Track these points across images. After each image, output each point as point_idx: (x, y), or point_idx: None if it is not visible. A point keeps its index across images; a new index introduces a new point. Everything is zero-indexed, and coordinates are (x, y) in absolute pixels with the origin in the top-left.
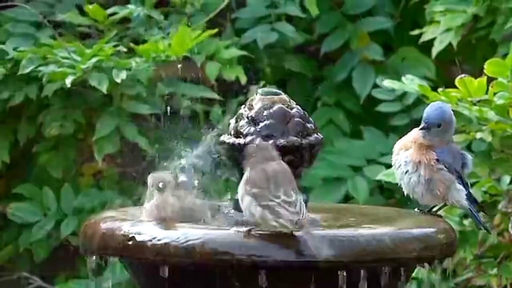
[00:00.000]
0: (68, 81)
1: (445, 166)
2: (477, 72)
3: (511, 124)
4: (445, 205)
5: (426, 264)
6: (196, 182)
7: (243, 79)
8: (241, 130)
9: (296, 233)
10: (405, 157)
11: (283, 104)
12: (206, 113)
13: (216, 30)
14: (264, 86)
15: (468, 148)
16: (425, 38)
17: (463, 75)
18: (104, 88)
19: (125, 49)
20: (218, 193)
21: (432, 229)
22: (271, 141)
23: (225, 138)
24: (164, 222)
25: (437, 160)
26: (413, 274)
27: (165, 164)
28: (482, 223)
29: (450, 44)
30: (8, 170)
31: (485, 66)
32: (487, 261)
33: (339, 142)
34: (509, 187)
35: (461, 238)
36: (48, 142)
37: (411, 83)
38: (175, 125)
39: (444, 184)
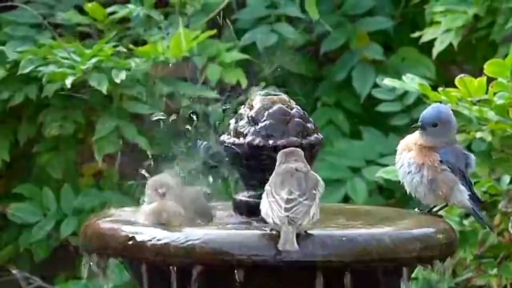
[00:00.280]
0: (68, 82)
1: (449, 167)
2: (477, 72)
3: (511, 124)
4: (446, 205)
5: (426, 264)
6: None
7: (244, 83)
8: (241, 130)
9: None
10: (408, 158)
11: (283, 104)
12: (205, 113)
13: (215, 31)
14: (264, 86)
15: (468, 148)
16: (425, 38)
17: (463, 74)
18: (104, 89)
19: (124, 50)
20: (219, 194)
21: (432, 229)
22: (271, 141)
23: (225, 138)
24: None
25: (441, 161)
26: (413, 274)
27: (165, 165)
28: (486, 221)
29: (450, 44)
30: (8, 170)
31: (485, 67)
32: (487, 261)
33: (338, 143)
34: (509, 187)
35: (461, 238)
36: (48, 142)
37: (411, 82)
38: (174, 125)
39: (447, 185)
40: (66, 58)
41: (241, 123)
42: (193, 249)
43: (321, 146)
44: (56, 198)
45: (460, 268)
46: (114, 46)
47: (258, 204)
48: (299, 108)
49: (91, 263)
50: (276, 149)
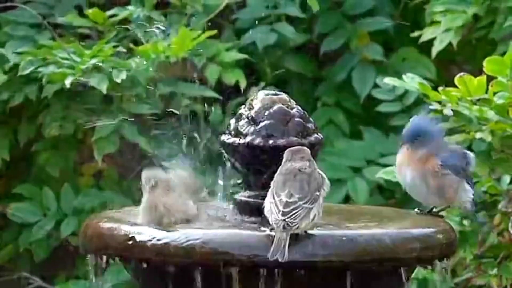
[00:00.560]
0: (68, 82)
1: (451, 169)
2: (477, 73)
3: (511, 123)
4: (448, 206)
5: (426, 264)
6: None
7: (243, 83)
8: (241, 130)
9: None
10: (409, 172)
11: (283, 104)
12: (205, 113)
13: (215, 32)
14: (264, 86)
15: (468, 148)
16: (425, 37)
17: (462, 73)
18: (104, 88)
19: (124, 50)
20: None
21: (432, 229)
22: (271, 141)
23: (225, 138)
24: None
25: (441, 165)
26: (413, 274)
27: (163, 163)
28: (482, 222)
29: (450, 43)
30: (8, 170)
31: (484, 64)
32: (487, 261)
33: (339, 143)
34: (509, 187)
35: (461, 238)
36: (48, 142)
37: (411, 82)
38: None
39: (453, 187)
40: (66, 59)
41: (241, 123)
42: (193, 249)
43: (321, 146)
44: (56, 198)
45: (460, 268)
46: (114, 47)
47: (258, 204)
48: (299, 108)
49: (91, 263)
50: (276, 149)
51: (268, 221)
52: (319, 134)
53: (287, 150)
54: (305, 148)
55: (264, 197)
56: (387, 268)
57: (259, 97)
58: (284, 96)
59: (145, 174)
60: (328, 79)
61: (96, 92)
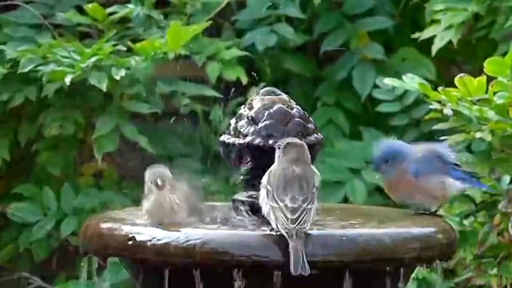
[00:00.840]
0: (68, 80)
1: (427, 173)
2: (477, 73)
3: (511, 123)
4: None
5: (426, 264)
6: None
7: (244, 80)
8: (241, 130)
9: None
10: (396, 198)
11: (283, 104)
12: (205, 113)
13: (208, 24)
14: (264, 86)
15: (468, 148)
16: (425, 35)
17: (462, 74)
18: (104, 86)
19: (124, 48)
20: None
21: (432, 229)
22: (271, 141)
23: (225, 138)
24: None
25: (415, 176)
26: (413, 274)
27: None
28: (480, 186)
29: (450, 43)
30: (9, 170)
31: (484, 65)
32: (487, 261)
33: (338, 143)
34: (509, 187)
35: (461, 238)
36: (48, 142)
37: (411, 82)
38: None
39: (439, 187)
40: (66, 57)
41: (241, 123)
42: (193, 249)
43: (321, 146)
44: (56, 197)
45: (460, 268)
46: (114, 45)
47: (258, 204)
48: (299, 108)
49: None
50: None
51: (268, 222)
52: (319, 134)
53: (279, 145)
54: (297, 141)
55: None
56: (387, 268)
57: (259, 97)
58: (284, 96)
59: (150, 172)
60: (328, 79)
61: (96, 91)
